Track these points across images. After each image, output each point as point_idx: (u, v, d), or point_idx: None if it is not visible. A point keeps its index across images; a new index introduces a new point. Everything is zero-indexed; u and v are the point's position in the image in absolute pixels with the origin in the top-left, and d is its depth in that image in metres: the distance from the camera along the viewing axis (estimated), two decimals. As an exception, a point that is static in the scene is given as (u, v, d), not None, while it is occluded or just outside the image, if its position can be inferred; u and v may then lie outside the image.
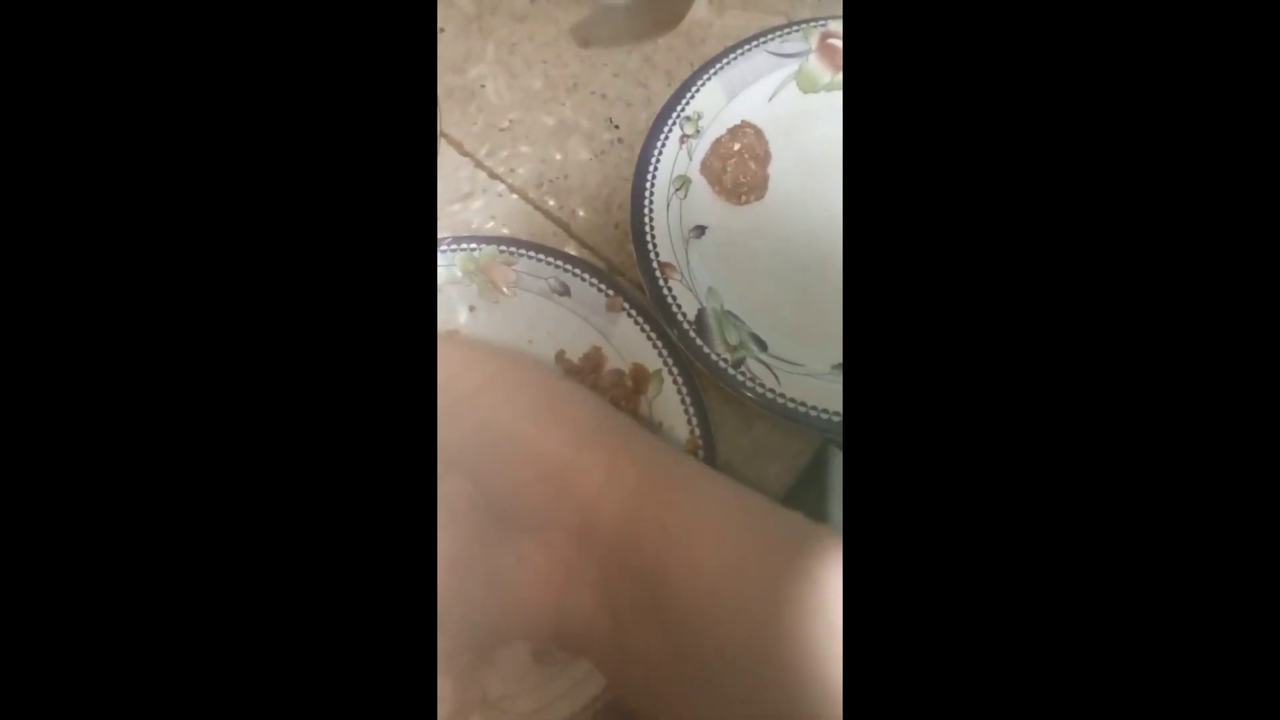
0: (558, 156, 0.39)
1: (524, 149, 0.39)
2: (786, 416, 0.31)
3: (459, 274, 0.35)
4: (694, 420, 0.31)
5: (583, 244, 0.37)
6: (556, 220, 0.38)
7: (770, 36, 0.36)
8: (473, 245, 0.35)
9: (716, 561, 0.22)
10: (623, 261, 0.36)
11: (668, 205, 0.35)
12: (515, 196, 0.39)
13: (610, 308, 0.33)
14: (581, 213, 0.38)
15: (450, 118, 0.40)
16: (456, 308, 0.35)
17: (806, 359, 0.32)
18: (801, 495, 0.33)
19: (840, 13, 0.38)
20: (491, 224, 0.38)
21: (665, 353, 0.32)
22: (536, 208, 0.38)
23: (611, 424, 0.24)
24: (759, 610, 0.21)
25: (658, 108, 0.36)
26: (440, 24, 0.42)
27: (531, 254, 0.35)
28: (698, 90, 0.36)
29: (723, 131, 0.35)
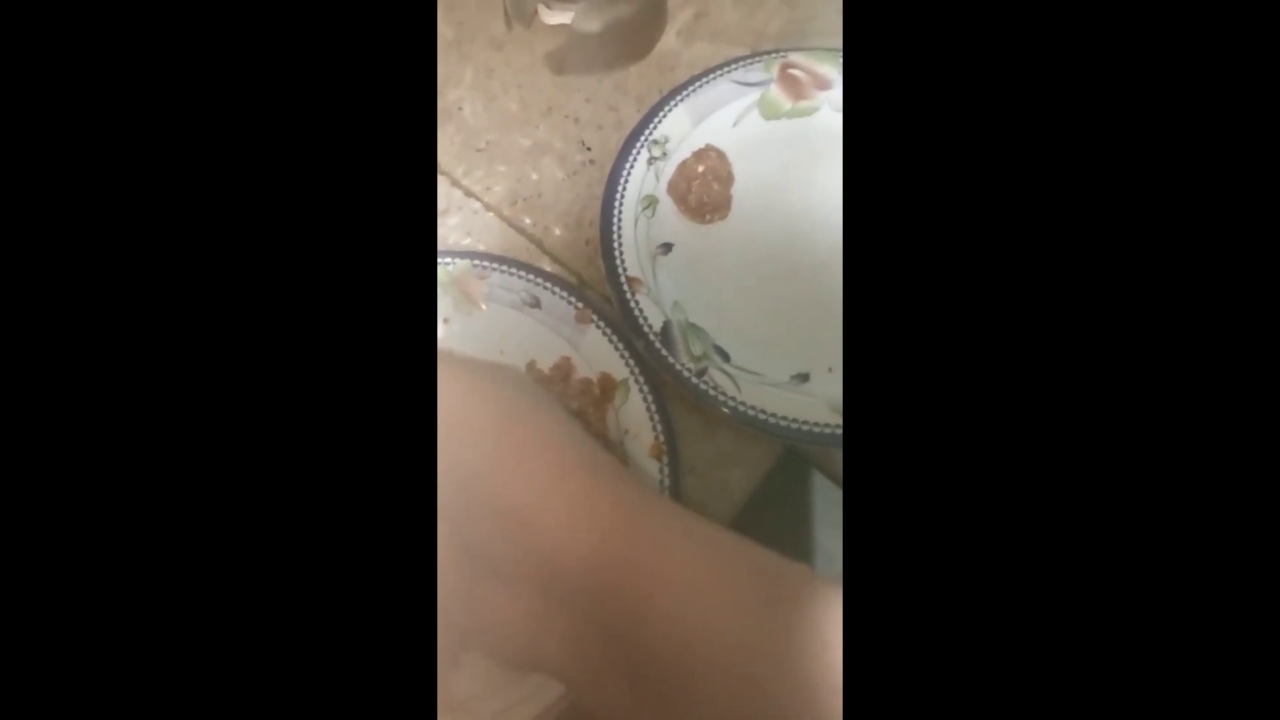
0: (533, 176, 0.41)
1: (500, 168, 0.41)
2: (748, 424, 0.32)
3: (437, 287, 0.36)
4: (659, 427, 0.32)
5: (555, 259, 0.39)
6: (530, 236, 0.39)
7: (735, 66, 0.38)
8: (447, 260, 0.36)
9: (689, 613, 0.21)
10: (593, 276, 0.38)
11: (635, 223, 0.36)
12: (491, 214, 0.40)
13: (579, 319, 0.35)
14: (555, 229, 0.39)
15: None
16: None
17: (767, 369, 0.34)
18: (764, 500, 0.35)
19: (801, 46, 0.40)
20: (468, 240, 0.40)
21: (632, 363, 0.34)
22: (511, 224, 0.40)
23: (577, 467, 0.24)
24: (739, 661, 0.21)
25: (627, 131, 0.38)
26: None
27: (503, 268, 0.36)
28: (665, 115, 0.37)
29: (688, 154, 0.37)
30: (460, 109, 0.42)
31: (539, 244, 0.39)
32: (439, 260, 0.36)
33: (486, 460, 0.23)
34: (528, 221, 0.40)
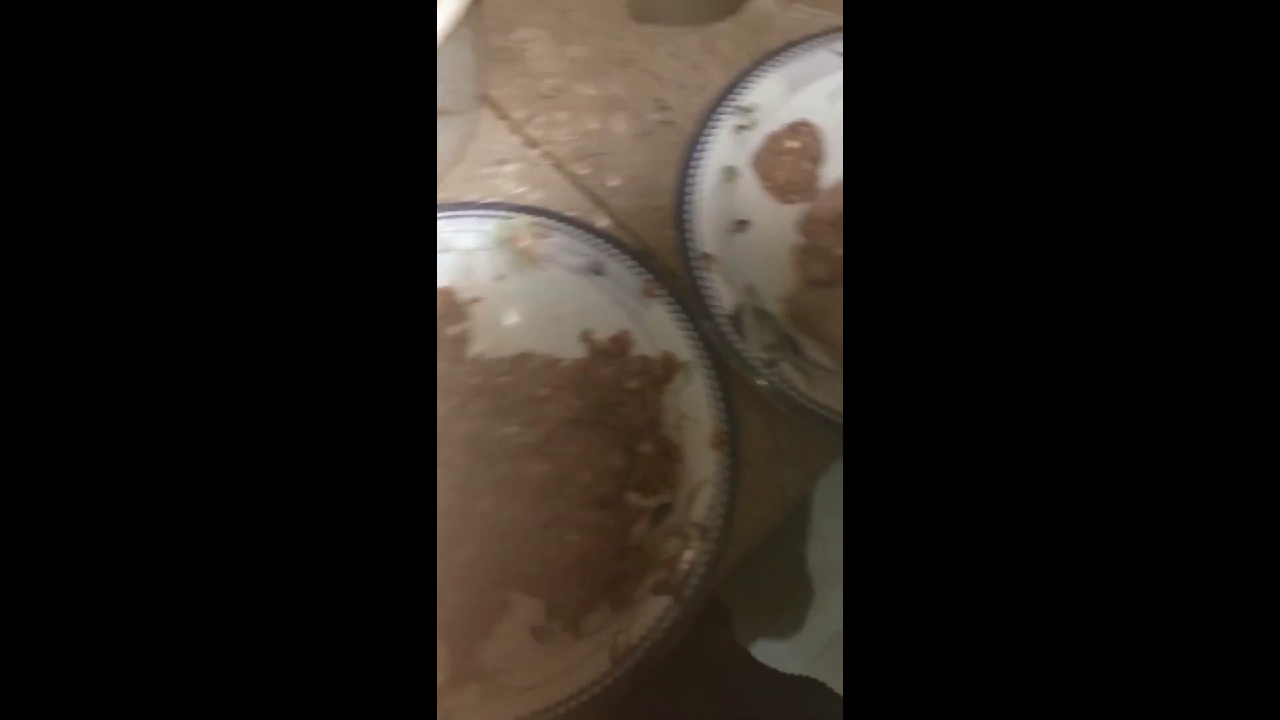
0: (603, 130, 0.38)
1: (565, 117, 0.38)
2: (814, 423, 0.30)
3: (489, 241, 0.34)
4: (722, 416, 0.30)
5: (620, 223, 0.36)
6: (594, 196, 0.37)
7: (836, 36, 0.36)
8: (504, 214, 0.34)
9: None
10: (660, 247, 0.35)
11: (712, 194, 0.34)
12: (551, 165, 0.37)
13: (646, 292, 0.32)
14: (622, 190, 0.37)
15: (492, 78, 0.39)
16: (482, 274, 0.34)
17: (839, 366, 0.32)
18: (820, 504, 0.33)
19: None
20: (522, 190, 0.37)
21: (700, 345, 0.31)
22: (572, 180, 0.37)
23: None
24: None
25: (713, 94, 0.35)
26: (493, -22, 0.40)
27: (569, 228, 0.34)
28: (758, 81, 0.35)
29: (780, 127, 0.35)
30: (526, 48, 0.39)
31: (603, 205, 0.36)
32: (496, 214, 0.34)
33: None
34: (593, 178, 0.37)
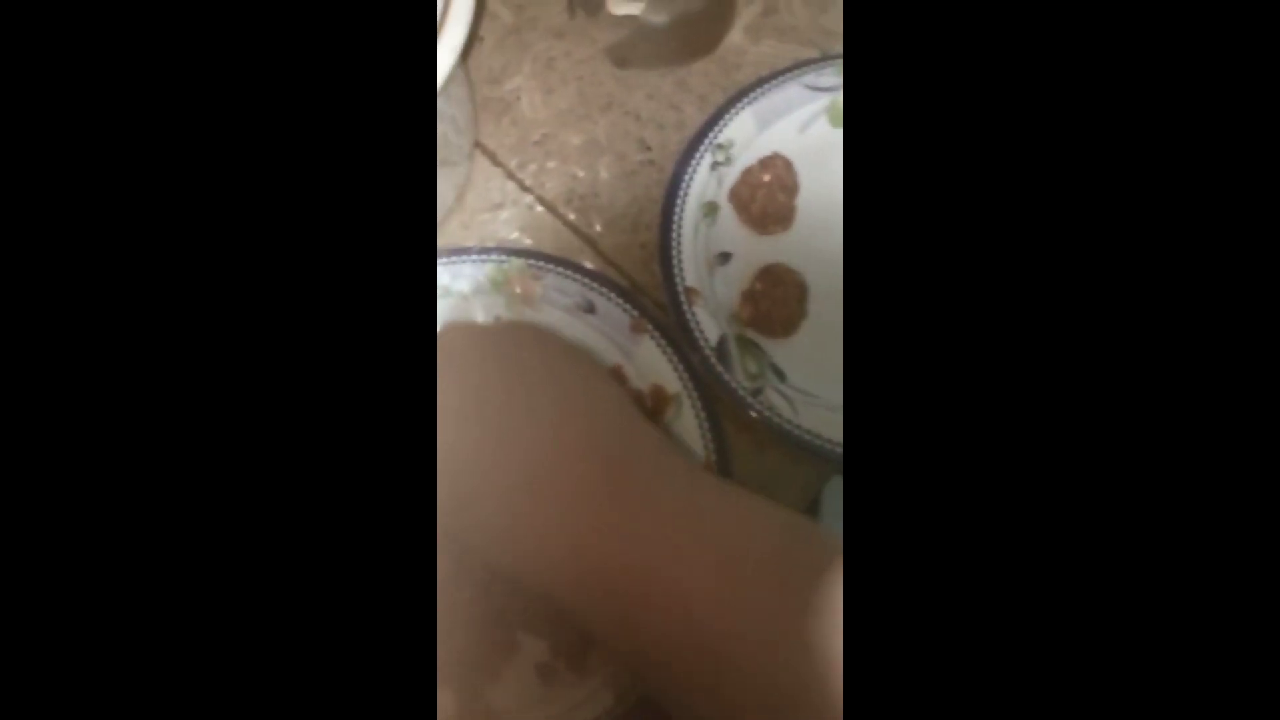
0: (589, 174, 0.40)
1: (555, 164, 0.40)
2: (801, 447, 0.32)
3: (486, 284, 0.36)
4: (711, 445, 0.32)
5: (609, 261, 0.38)
6: (584, 236, 0.38)
7: (804, 70, 0.37)
8: (501, 257, 0.36)
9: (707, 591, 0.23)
10: (646, 281, 0.37)
11: (695, 230, 0.35)
12: (543, 209, 0.39)
13: (634, 329, 0.34)
14: (609, 231, 0.38)
15: (485, 129, 0.41)
16: (480, 317, 0.36)
17: (825, 391, 0.33)
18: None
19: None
20: (516, 234, 0.39)
21: (686, 376, 0.33)
22: (564, 222, 0.39)
23: (575, 548, 0.25)
24: (759, 636, 0.22)
25: (690, 132, 0.37)
26: (480, 34, 0.42)
27: (559, 270, 0.35)
28: (731, 119, 0.36)
29: (754, 161, 0.36)
30: (518, 99, 0.41)
31: (592, 244, 0.38)
32: (493, 258, 0.36)
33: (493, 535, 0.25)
34: (582, 220, 0.39)
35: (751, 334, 0.34)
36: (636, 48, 0.40)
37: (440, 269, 0.35)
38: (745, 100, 0.36)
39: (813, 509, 0.35)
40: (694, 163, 0.36)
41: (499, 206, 0.40)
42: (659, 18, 0.39)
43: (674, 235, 0.35)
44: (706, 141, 0.36)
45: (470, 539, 0.27)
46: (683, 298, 0.34)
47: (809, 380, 0.33)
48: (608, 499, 0.25)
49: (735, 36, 0.41)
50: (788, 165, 0.36)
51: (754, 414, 0.32)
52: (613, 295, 0.34)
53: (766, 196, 0.35)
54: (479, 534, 0.26)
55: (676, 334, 0.33)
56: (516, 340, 0.30)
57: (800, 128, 0.37)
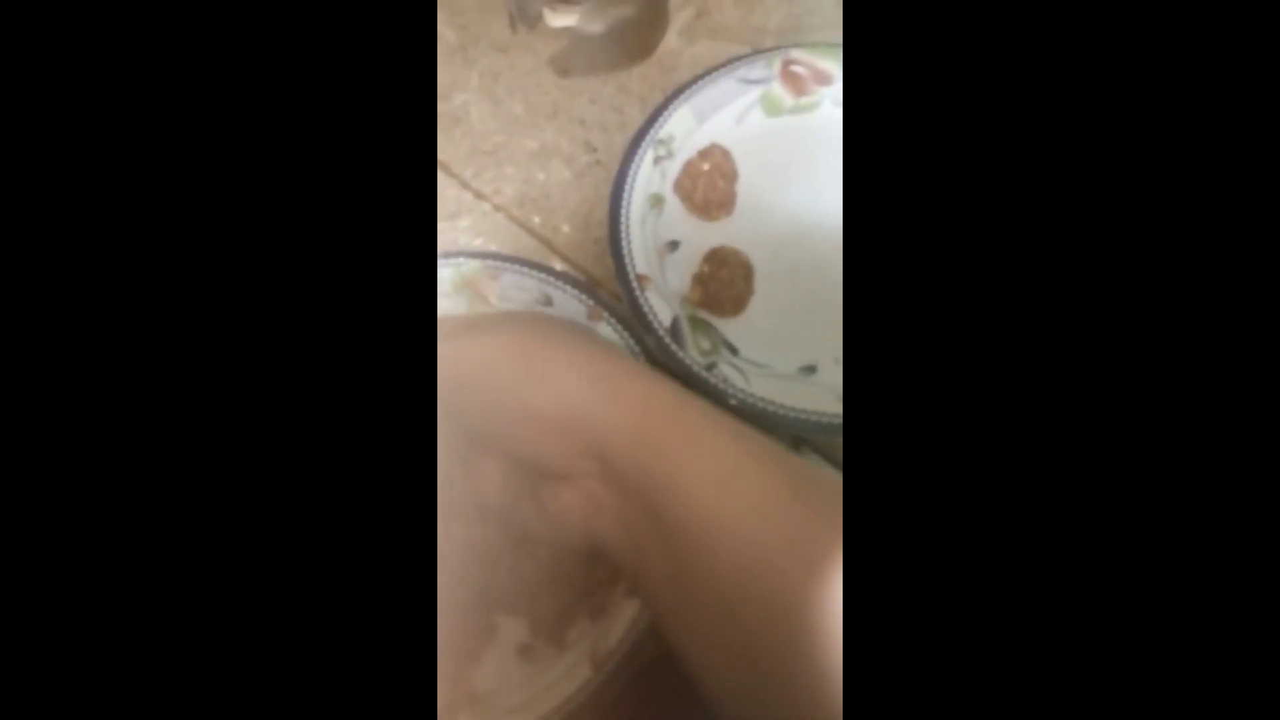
0: (541, 177, 0.41)
1: (508, 170, 0.42)
2: (757, 416, 0.33)
3: (449, 288, 0.37)
4: (670, 420, 0.33)
5: (565, 258, 0.39)
6: (540, 236, 0.40)
7: (737, 64, 0.39)
8: (460, 260, 0.37)
9: (715, 493, 0.24)
10: (602, 274, 0.38)
11: (643, 222, 0.37)
12: (501, 215, 0.41)
13: (591, 317, 0.36)
14: (564, 229, 0.40)
15: (438, 142, 0.42)
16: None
17: (775, 361, 0.34)
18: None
19: (801, 41, 0.41)
20: (479, 241, 0.40)
21: (642, 357, 0.34)
22: (521, 225, 0.40)
23: (608, 371, 0.27)
24: (758, 540, 0.22)
25: (632, 131, 0.39)
26: (427, 55, 0.44)
27: (515, 267, 0.37)
28: (669, 115, 0.38)
29: (694, 153, 0.38)
30: (468, 112, 0.43)
31: (549, 244, 0.40)
32: (452, 261, 0.37)
33: (520, 382, 0.27)
34: (537, 222, 0.40)
35: (703, 314, 0.36)
36: (577, 57, 0.42)
37: None
38: (683, 96, 0.38)
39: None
40: (637, 159, 0.38)
41: (456, 215, 0.41)
42: (595, 27, 0.41)
43: (623, 228, 0.37)
44: (648, 138, 0.38)
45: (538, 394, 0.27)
46: (635, 285, 0.35)
47: (759, 352, 0.35)
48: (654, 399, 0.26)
49: (671, 40, 0.44)
50: (726, 154, 0.38)
51: (709, 387, 0.33)
52: (567, 287, 0.36)
53: (708, 185, 0.37)
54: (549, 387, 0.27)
55: (631, 320, 0.35)
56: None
57: (736, 119, 0.39)
